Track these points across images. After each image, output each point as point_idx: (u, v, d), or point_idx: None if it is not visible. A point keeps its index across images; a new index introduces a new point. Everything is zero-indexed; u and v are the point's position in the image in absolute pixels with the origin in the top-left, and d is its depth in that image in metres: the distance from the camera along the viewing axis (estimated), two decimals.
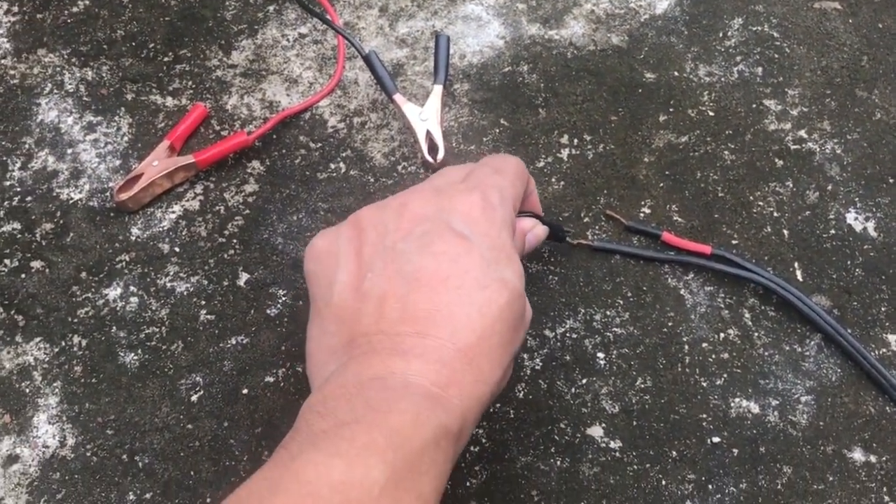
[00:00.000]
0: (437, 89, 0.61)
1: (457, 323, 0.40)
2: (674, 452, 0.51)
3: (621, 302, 0.56)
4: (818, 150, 0.61)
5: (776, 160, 0.61)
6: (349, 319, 0.41)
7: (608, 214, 0.59)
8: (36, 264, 0.58)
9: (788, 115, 0.62)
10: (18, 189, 0.61)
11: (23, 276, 0.57)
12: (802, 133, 0.62)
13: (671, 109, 0.63)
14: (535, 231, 0.51)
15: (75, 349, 0.55)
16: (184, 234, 0.59)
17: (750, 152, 0.61)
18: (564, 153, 0.61)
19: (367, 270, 0.42)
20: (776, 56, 0.65)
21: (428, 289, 0.41)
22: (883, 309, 0.55)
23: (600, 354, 0.54)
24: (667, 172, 0.60)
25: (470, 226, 0.43)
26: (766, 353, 0.54)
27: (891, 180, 0.60)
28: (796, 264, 0.57)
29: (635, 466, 0.51)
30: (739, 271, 0.56)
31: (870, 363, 0.53)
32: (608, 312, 0.55)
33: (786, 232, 0.58)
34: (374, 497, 0.33)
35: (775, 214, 0.59)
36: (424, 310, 0.40)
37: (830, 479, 0.50)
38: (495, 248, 0.43)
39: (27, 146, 0.62)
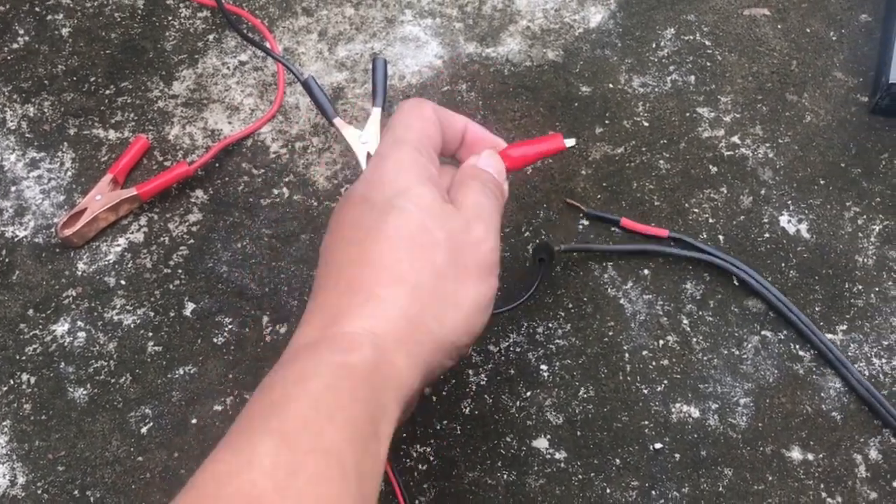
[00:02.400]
0: (377, 112, 0.62)
1: (331, 260, 0.44)
2: (617, 460, 0.52)
3: (563, 314, 0.57)
4: (751, 155, 0.63)
5: (710, 167, 0.62)
6: None
7: (568, 202, 0.60)
8: None
9: (721, 121, 0.64)
10: None
11: None
12: (735, 139, 0.63)
13: (607, 122, 0.64)
14: (481, 160, 0.48)
15: (24, 387, 0.55)
16: (129, 266, 0.59)
17: (685, 160, 0.62)
18: None
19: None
20: (708, 64, 0.67)
21: (322, 252, 0.45)
22: (818, 309, 0.57)
23: (543, 367, 0.55)
24: (604, 184, 0.62)
25: (361, 182, 0.45)
26: (705, 358, 0.55)
27: (822, 182, 0.61)
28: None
29: (580, 476, 0.52)
30: (696, 254, 0.58)
31: (823, 343, 0.54)
32: (550, 325, 0.56)
33: (721, 237, 0.59)
34: (266, 472, 0.33)
35: (710, 220, 0.60)
36: (318, 272, 0.44)
37: (770, 478, 0.51)
38: (385, 183, 0.44)
39: None
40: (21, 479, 0.52)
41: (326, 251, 0.44)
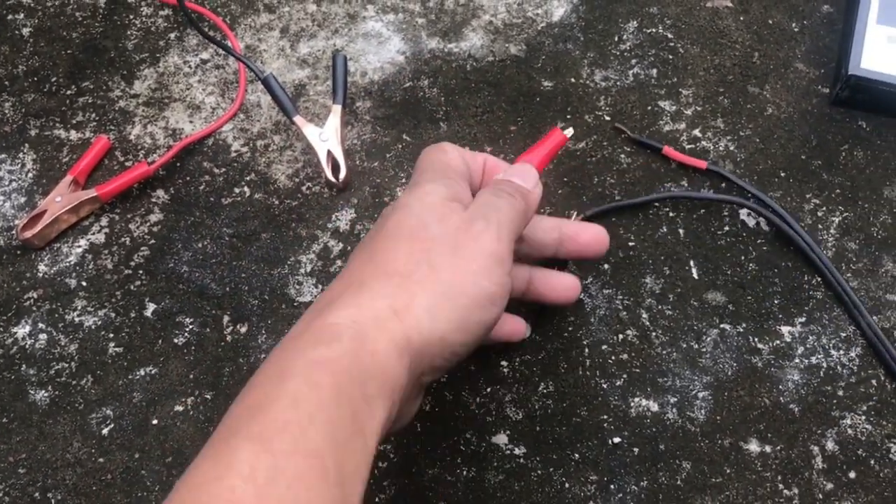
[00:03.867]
0: (337, 109, 0.62)
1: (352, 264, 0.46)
2: (576, 455, 0.52)
3: (524, 309, 0.57)
4: (712, 148, 0.63)
5: (671, 161, 0.62)
6: None
7: (616, 127, 0.63)
8: None
9: (683, 115, 0.64)
10: None
11: None
12: (696, 132, 0.63)
13: (569, 116, 0.64)
14: (504, 174, 0.49)
15: None
16: (90, 267, 0.59)
17: (646, 155, 0.62)
18: None
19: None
20: (670, 57, 0.67)
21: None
22: (776, 301, 0.57)
23: (503, 362, 0.55)
24: (565, 179, 0.62)
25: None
26: (664, 352, 0.55)
27: (782, 174, 0.61)
28: (692, 262, 0.58)
29: (539, 471, 0.52)
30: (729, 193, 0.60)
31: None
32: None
33: (681, 231, 0.59)
34: (247, 477, 0.34)
35: (671, 214, 0.60)
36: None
37: (728, 471, 0.52)
38: (408, 202, 0.45)
39: None
40: None
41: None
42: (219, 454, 0.35)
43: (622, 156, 0.62)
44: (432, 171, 0.47)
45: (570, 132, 0.51)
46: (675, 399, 0.54)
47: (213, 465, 0.35)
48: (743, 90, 0.65)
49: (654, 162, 0.62)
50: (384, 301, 0.40)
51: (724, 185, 0.61)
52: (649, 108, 0.65)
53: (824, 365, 0.55)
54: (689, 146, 0.63)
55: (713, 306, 0.57)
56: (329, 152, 0.61)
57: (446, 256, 0.42)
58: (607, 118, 0.64)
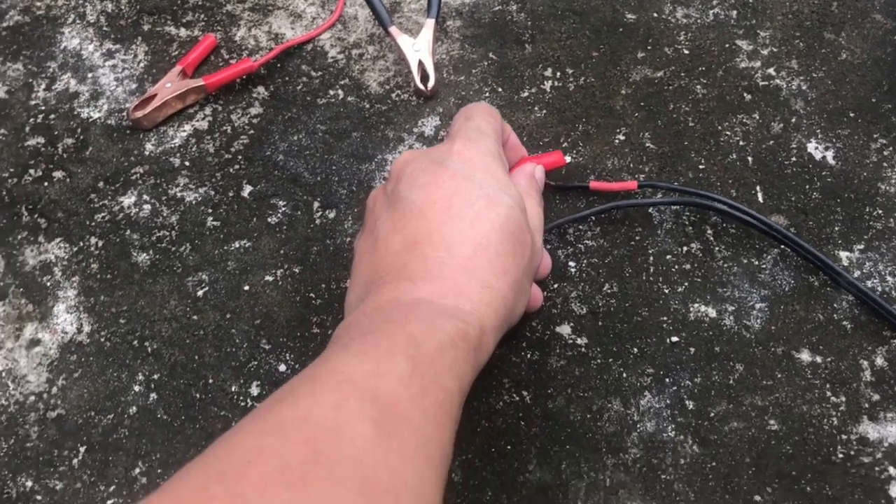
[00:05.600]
0: (430, 23, 0.66)
1: (450, 240, 0.45)
2: (635, 349, 0.56)
3: (592, 218, 0.60)
4: (785, 86, 0.65)
5: (745, 94, 0.65)
6: (367, 264, 0.47)
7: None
8: (58, 174, 0.63)
9: (759, 54, 0.67)
10: (43, 108, 0.66)
11: (45, 184, 0.63)
12: (771, 71, 0.66)
13: (649, 47, 0.67)
14: (538, 170, 0.56)
15: (92, 249, 0.60)
16: (193, 150, 0.64)
17: (720, 87, 0.65)
18: (547, 85, 0.66)
19: (376, 219, 0.47)
20: (750, 1, 0.69)
21: (420, 216, 0.46)
22: (836, 228, 0.60)
23: (572, 263, 0.59)
24: (642, 104, 0.65)
25: (452, 157, 0.48)
26: (726, 266, 0.58)
27: (851, 114, 0.64)
28: (758, 188, 0.61)
29: (599, 360, 0.55)
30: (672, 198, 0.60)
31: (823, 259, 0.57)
32: (581, 227, 0.60)
33: (750, 159, 0.62)
34: (404, 383, 0.38)
35: (741, 143, 0.63)
36: (420, 235, 0.45)
37: (779, 375, 0.55)
38: (481, 170, 0.47)
39: (51, 70, 0.68)
40: (87, 328, 0.57)
41: (428, 217, 0.46)
42: (378, 357, 0.39)
43: (698, 87, 0.65)
44: (486, 130, 0.51)
45: (568, 159, 0.60)
46: (733, 308, 0.57)
47: (374, 363, 0.39)
48: (819, 35, 0.68)
49: (729, 95, 0.65)
50: (503, 310, 0.46)
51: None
52: (726, 45, 0.67)
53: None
54: (763, 83, 0.65)
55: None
56: (420, 62, 0.65)
57: (520, 256, 0.48)
58: (686, 52, 0.67)
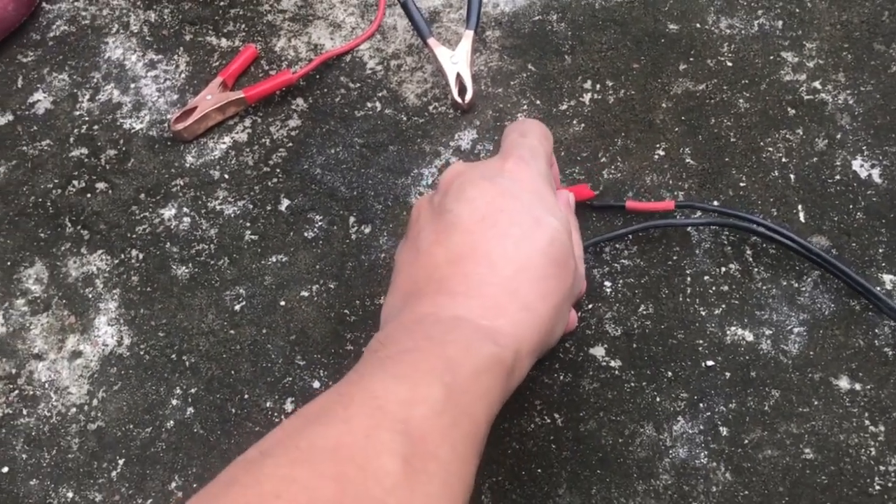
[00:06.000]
0: (469, 34, 0.66)
1: (494, 258, 0.44)
2: (669, 373, 0.55)
3: (629, 236, 0.60)
4: (831, 100, 0.64)
5: (789, 109, 0.64)
6: (406, 275, 0.47)
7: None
8: (100, 185, 0.64)
9: (804, 66, 0.65)
10: (87, 118, 0.67)
11: (88, 195, 0.64)
12: (817, 84, 0.65)
13: (691, 59, 0.66)
14: (571, 198, 0.55)
15: (133, 261, 0.61)
16: (233, 162, 0.65)
17: (764, 101, 0.64)
18: (587, 97, 0.65)
19: (420, 230, 0.47)
20: (797, 10, 0.68)
21: (465, 231, 0.45)
22: (881, 250, 0.58)
23: (607, 283, 0.58)
24: (683, 118, 0.64)
25: (504, 174, 0.47)
26: (764, 288, 0.58)
27: None
28: (800, 206, 0.60)
29: (632, 384, 0.55)
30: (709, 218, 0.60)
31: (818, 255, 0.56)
32: (617, 245, 0.60)
33: (792, 176, 0.61)
34: (436, 412, 0.38)
35: (783, 160, 0.62)
36: (464, 250, 0.45)
37: (816, 403, 0.54)
38: (530, 191, 0.47)
39: (95, 80, 0.69)
40: (126, 341, 0.58)
41: (473, 231, 0.46)
42: (415, 382, 0.39)
43: (741, 100, 0.64)
44: (539, 151, 0.51)
45: (595, 193, 0.60)
46: (771, 332, 0.56)
47: (409, 389, 0.38)
48: (868, 47, 0.66)
49: (773, 109, 0.64)
50: (537, 335, 0.45)
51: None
52: (771, 57, 0.66)
53: None
54: (808, 97, 0.64)
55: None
56: (458, 74, 0.65)
57: (562, 280, 0.47)
58: (729, 64, 0.66)
